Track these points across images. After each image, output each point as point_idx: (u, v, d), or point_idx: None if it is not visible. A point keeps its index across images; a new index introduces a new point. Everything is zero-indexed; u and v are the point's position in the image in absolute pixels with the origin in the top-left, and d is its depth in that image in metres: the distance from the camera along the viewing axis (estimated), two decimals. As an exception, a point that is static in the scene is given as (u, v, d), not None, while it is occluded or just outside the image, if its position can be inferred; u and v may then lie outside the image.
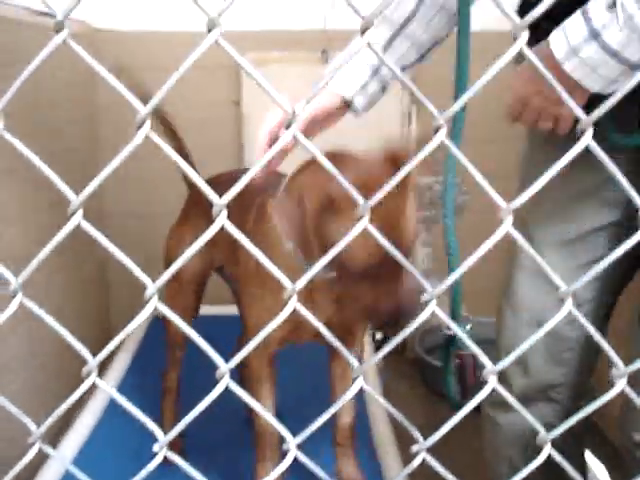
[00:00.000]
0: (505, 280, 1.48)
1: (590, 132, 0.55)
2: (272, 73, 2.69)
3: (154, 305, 0.59)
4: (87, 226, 0.57)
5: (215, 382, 0.62)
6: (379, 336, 2.95)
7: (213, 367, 0.62)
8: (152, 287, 0.59)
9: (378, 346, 2.90)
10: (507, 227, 0.57)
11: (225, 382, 0.61)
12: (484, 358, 0.66)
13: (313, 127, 1.28)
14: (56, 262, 2.28)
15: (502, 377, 1.43)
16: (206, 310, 1.99)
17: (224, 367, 0.61)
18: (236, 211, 1.53)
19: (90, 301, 2.82)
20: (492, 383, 0.64)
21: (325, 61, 2.66)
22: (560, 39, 1.04)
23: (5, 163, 1.92)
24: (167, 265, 1.86)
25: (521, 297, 1.43)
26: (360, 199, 0.58)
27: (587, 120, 0.55)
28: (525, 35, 0.53)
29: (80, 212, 0.56)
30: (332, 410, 0.65)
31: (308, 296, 1.36)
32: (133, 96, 0.55)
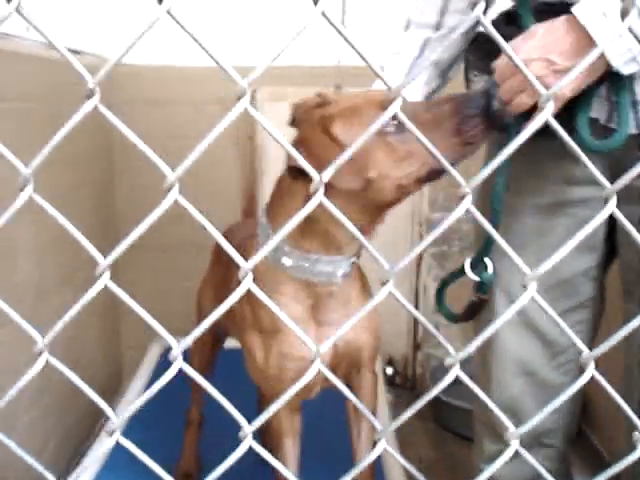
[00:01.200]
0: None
1: (550, 106, 0.53)
2: (287, 108, 2.73)
3: (179, 366, 0.59)
4: (114, 287, 0.58)
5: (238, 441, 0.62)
6: (390, 371, 2.94)
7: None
8: (177, 348, 0.59)
9: (389, 380, 2.89)
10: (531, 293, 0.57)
11: (248, 443, 0.61)
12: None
13: None
14: (69, 294, 2.29)
15: (494, 431, 1.43)
16: (234, 343, 2.02)
17: (247, 428, 0.61)
18: (227, 261, 1.56)
19: (101, 333, 2.82)
20: (514, 446, 0.64)
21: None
22: (589, 3, 1.01)
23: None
24: (197, 314, 1.99)
25: (506, 348, 1.43)
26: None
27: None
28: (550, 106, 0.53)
29: (107, 274, 0.57)
30: (352, 473, 0.65)
31: (313, 314, 1.36)
32: (161, 161, 0.55)
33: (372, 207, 1.23)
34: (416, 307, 2.96)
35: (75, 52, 2.51)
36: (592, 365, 0.65)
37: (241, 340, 1.48)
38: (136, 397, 2.46)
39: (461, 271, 1.34)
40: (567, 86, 1.04)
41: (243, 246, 1.47)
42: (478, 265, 1.30)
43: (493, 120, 1.10)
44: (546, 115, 0.52)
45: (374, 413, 1.59)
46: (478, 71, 1.29)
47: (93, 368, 2.63)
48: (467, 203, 0.56)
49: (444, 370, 2.69)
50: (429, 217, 2.92)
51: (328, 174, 0.54)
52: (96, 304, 2.77)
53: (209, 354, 2.01)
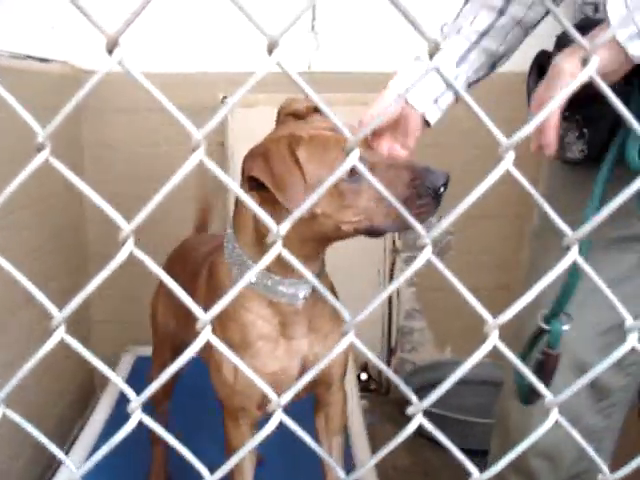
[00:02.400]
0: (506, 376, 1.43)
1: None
2: (260, 115, 2.71)
3: (138, 418, 0.58)
4: (70, 340, 0.56)
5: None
6: (364, 377, 2.94)
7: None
8: (135, 401, 0.57)
9: (364, 386, 2.89)
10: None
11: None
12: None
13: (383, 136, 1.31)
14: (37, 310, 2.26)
15: (528, 476, 1.38)
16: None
17: (209, 479, 0.60)
18: (186, 277, 1.55)
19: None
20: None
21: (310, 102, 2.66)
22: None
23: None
24: (153, 328, 1.97)
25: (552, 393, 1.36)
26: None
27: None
28: (511, 156, 0.53)
29: (62, 328, 0.55)
30: None
31: (279, 336, 1.36)
32: (117, 214, 0.54)
33: (318, 237, 1.25)
34: (389, 312, 2.97)
35: (43, 60, 2.48)
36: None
37: (206, 354, 1.45)
38: (108, 408, 2.44)
39: (538, 335, 1.20)
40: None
41: (209, 261, 1.48)
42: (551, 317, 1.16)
43: (439, 201, 1.13)
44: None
45: (344, 429, 1.59)
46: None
47: (64, 378, 2.59)
48: (427, 254, 0.55)
49: (418, 375, 2.71)
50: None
51: (285, 228, 0.53)
52: (65, 282, 2.71)
53: (170, 378, 1.97)
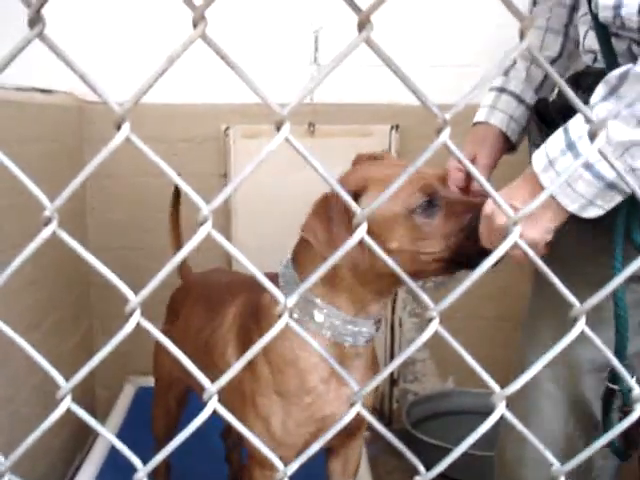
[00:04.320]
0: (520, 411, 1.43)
1: (516, 230, 0.54)
2: (261, 145, 2.70)
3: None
4: (77, 409, 0.56)
5: None
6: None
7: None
8: (142, 471, 0.57)
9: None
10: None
11: None
12: None
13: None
14: (39, 338, 2.26)
15: None
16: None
17: None
18: (204, 314, 1.53)
19: (75, 372, 2.77)
20: None
21: (312, 134, 2.68)
22: (540, 153, 1.04)
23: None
24: (155, 375, 1.96)
25: (544, 424, 1.34)
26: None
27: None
28: (517, 230, 0.53)
29: (69, 398, 0.55)
30: None
31: (338, 379, 1.33)
32: (123, 284, 0.54)
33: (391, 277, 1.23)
34: (392, 341, 2.96)
35: (46, 91, 2.49)
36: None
37: (242, 406, 1.39)
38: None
39: (609, 396, 1.21)
40: (533, 231, 1.05)
41: (252, 304, 1.43)
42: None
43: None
44: (513, 238, 0.52)
45: (356, 473, 1.60)
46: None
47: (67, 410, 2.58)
48: (434, 326, 0.55)
49: (419, 406, 2.70)
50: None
51: (292, 300, 0.53)
52: (69, 343, 2.72)
53: (175, 415, 1.96)
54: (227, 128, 2.75)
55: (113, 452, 2.34)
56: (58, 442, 2.40)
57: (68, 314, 2.67)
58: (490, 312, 2.92)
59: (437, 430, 2.66)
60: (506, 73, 1.40)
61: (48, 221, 0.52)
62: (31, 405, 2.14)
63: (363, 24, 0.48)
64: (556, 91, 1.31)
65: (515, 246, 0.51)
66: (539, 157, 1.04)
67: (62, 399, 0.56)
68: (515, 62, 1.39)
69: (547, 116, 1.23)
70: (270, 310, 1.34)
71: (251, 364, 1.32)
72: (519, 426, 0.57)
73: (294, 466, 0.58)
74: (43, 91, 2.47)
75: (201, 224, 0.52)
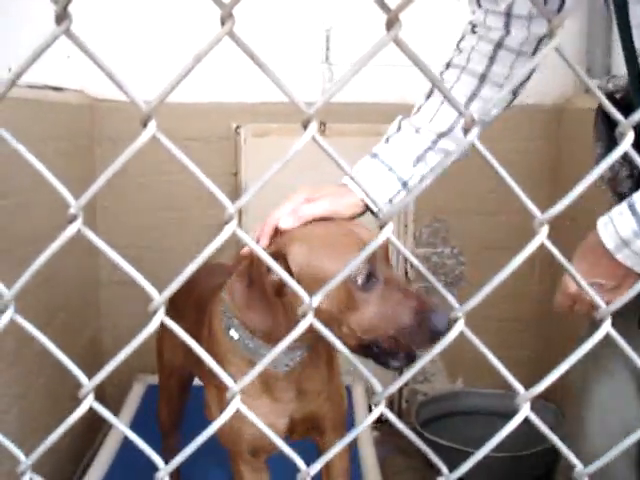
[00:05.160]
0: (579, 389, 1.44)
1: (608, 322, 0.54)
2: (271, 144, 2.72)
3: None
4: (99, 407, 0.56)
5: None
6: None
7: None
8: (163, 470, 0.57)
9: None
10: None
11: None
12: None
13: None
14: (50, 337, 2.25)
15: None
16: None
17: None
18: (193, 314, 1.54)
19: (84, 371, 2.78)
20: None
21: (323, 133, 2.67)
22: (609, 231, 1.06)
23: None
24: (159, 365, 1.98)
25: (603, 402, 1.38)
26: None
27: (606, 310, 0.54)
28: (545, 230, 0.53)
29: (91, 396, 0.55)
30: None
31: (265, 395, 1.34)
32: (148, 284, 0.54)
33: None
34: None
35: (56, 89, 2.49)
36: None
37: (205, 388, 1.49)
38: (119, 437, 2.43)
39: None
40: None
41: (211, 306, 1.43)
42: None
43: (436, 339, 1.09)
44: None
45: (344, 475, 1.57)
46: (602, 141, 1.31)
47: (76, 407, 2.58)
48: (460, 327, 0.55)
49: (428, 407, 2.70)
50: (414, 252, 2.92)
51: (317, 299, 0.53)
52: (79, 343, 2.73)
53: (177, 403, 2.00)
54: (238, 127, 2.75)
55: (123, 450, 2.34)
56: (67, 440, 2.40)
57: (77, 313, 2.67)
58: (504, 314, 2.92)
59: (446, 430, 2.66)
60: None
61: (73, 218, 0.51)
62: (41, 402, 2.15)
63: (392, 22, 0.48)
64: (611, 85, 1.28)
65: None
66: (609, 236, 1.06)
67: (85, 397, 0.56)
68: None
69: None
70: (213, 311, 1.38)
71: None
72: (544, 429, 0.57)
73: (317, 466, 0.58)
74: (55, 89, 2.47)
75: (226, 223, 0.52)
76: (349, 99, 2.74)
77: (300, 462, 0.57)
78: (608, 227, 1.06)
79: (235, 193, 2.76)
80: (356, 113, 2.74)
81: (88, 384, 0.55)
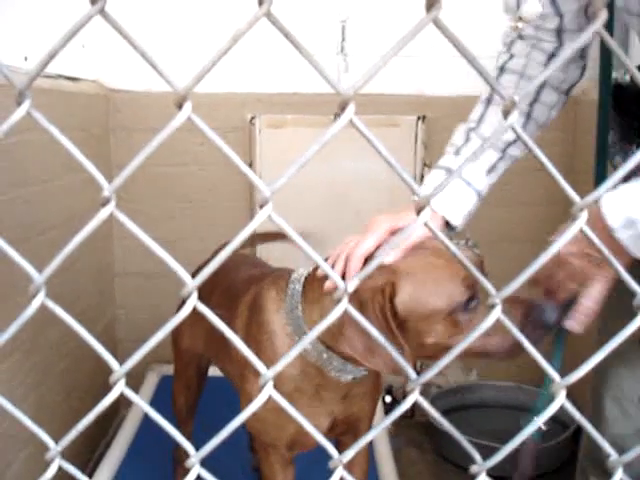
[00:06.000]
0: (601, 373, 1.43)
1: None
2: (286, 135, 2.72)
3: (196, 472, 0.57)
4: (130, 393, 0.55)
5: None
6: (389, 399, 2.92)
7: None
8: (195, 456, 0.56)
9: (388, 409, 2.87)
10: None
11: None
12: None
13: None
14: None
15: (602, 468, 1.37)
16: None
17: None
18: (222, 302, 1.53)
19: (98, 361, 2.79)
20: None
21: (338, 123, 2.66)
22: (616, 208, 1.02)
23: None
24: (175, 355, 1.97)
25: (627, 389, 1.37)
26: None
27: None
28: (584, 215, 0.52)
29: (122, 381, 0.55)
30: None
31: (315, 394, 1.35)
32: (182, 269, 0.53)
33: (421, 356, 1.16)
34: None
35: (72, 79, 2.49)
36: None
37: (240, 384, 1.46)
38: (134, 427, 2.44)
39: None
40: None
41: (254, 290, 1.44)
42: None
43: (550, 331, 1.11)
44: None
45: (364, 476, 1.59)
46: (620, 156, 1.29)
47: (90, 397, 2.60)
48: (497, 313, 0.54)
49: (442, 399, 2.69)
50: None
51: (352, 285, 0.52)
52: (94, 332, 2.74)
53: (195, 391, 1.99)
54: (253, 118, 2.74)
55: (139, 438, 2.35)
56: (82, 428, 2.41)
57: (93, 303, 2.68)
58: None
59: (460, 423, 2.65)
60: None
61: (106, 202, 0.51)
62: (57, 391, 2.16)
63: (432, 3, 0.47)
64: (628, 77, 1.27)
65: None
66: (615, 213, 1.01)
67: (115, 383, 0.55)
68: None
69: (621, 102, 1.22)
70: (267, 307, 1.35)
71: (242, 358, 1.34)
72: (580, 419, 0.56)
73: (350, 453, 0.57)
74: (70, 79, 2.47)
75: (261, 206, 0.51)
76: (365, 90, 2.73)
77: (334, 451, 0.56)
78: (616, 204, 1.02)
79: (251, 185, 2.75)
80: (371, 104, 2.72)
81: (120, 369, 0.55)
